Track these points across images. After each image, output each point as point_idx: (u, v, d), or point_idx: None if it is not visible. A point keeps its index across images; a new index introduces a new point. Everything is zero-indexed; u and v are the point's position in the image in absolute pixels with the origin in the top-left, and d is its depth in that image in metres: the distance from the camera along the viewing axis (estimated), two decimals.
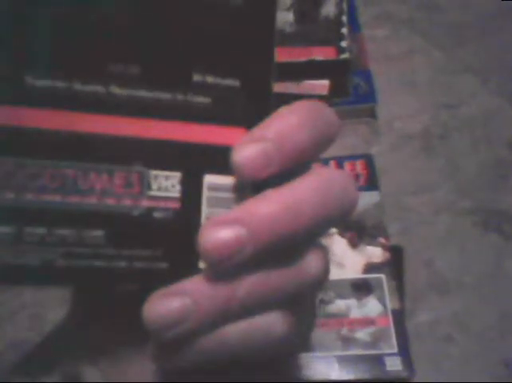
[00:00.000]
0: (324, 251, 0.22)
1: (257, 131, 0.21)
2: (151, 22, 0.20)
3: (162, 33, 0.21)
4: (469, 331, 0.47)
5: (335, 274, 0.47)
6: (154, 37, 0.21)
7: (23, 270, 0.20)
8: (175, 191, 0.21)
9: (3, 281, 0.20)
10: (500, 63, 0.62)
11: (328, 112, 0.22)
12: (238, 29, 0.21)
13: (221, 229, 0.20)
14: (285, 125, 0.21)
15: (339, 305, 0.45)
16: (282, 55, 0.54)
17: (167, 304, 0.20)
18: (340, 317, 0.45)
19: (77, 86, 0.20)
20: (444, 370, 0.45)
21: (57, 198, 0.20)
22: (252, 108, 0.22)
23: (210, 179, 0.21)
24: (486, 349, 0.46)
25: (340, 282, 0.46)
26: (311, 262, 0.21)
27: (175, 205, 0.21)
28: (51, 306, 0.48)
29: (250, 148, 0.20)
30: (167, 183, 0.21)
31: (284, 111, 0.21)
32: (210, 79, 0.21)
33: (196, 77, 0.21)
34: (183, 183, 0.21)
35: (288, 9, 0.58)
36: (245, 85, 0.22)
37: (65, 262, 0.20)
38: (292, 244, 0.21)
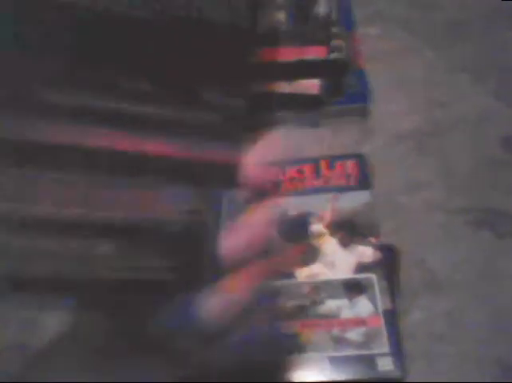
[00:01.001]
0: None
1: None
2: (161, 43, 0.21)
3: (173, 53, 0.21)
4: (462, 330, 0.47)
5: (326, 274, 0.47)
6: (165, 57, 0.21)
7: (33, 280, 0.20)
8: (187, 206, 0.22)
9: (12, 291, 0.20)
10: (493, 62, 0.62)
11: None
12: (244, 50, 0.22)
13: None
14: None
15: (330, 305, 0.45)
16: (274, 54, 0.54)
17: None
18: (332, 317, 0.45)
19: (90, 102, 0.20)
20: (438, 369, 0.45)
21: (70, 210, 0.20)
22: (255, 127, 0.22)
23: (218, 194, 0.22)
24: (480, 348, 0.46)
25: (331, 282, 0.46)
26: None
27: (186, 219, 0.22)
28: (45, 309, 0.48)
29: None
30: (180, 199, 0.22)
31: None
32: (218, 98, 0.22)
33: (206, 96, 0.22)
34: (194, 198, 0.22)
35: (280, 9, 0.58)
36: (249, 105, 0.22)
37: (75, 272, 0.20)
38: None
